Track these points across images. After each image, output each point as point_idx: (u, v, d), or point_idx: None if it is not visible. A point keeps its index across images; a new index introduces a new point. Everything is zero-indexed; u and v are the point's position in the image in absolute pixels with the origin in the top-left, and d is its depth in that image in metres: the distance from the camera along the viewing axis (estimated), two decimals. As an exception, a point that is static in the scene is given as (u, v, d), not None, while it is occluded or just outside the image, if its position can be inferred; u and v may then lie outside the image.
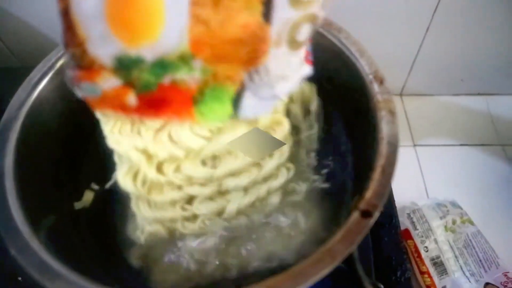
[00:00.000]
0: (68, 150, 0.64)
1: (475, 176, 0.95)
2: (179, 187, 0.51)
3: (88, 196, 0.62)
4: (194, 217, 0.55)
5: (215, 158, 0.51)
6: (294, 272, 0.41)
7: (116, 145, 0.49)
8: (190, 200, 0.53)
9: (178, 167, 0.50)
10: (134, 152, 0.49)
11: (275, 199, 0.57)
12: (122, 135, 0.49)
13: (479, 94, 1.08)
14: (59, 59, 0.61)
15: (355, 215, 0.44)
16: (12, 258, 0.44)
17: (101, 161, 0.64)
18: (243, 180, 0.52)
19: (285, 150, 0.55)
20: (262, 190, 0.55)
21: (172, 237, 0.57)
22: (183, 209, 0.53)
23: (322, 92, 0.68)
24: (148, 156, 0.49)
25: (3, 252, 0.44)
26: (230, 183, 0.52)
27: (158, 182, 0.50)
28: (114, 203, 0.60)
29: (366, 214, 0.44)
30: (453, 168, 0.97)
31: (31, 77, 0.58)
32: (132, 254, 0.57)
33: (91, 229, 0.60)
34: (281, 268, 0.52)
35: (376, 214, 0.44)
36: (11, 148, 0.52)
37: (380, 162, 0.48)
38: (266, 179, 0.55)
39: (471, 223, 0.82)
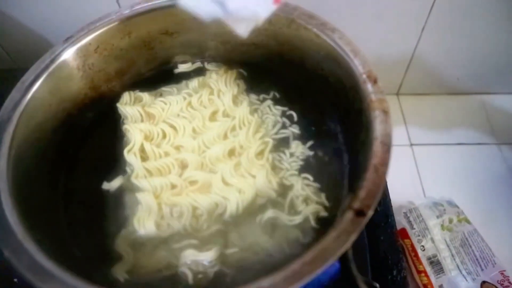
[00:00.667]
0: (62, 152, 0.64)
1: (472, 175, 0.95)
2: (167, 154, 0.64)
3: (118, 181, 0.62)
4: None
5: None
6: (288, 271, 0.41)
7: (128, 127, 0.65)
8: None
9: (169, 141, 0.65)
10: (138, 132, 0.64)
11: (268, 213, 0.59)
12: (131, 124, 0.66)
13: (475, 93, 1.08)
14: (53, 61, 0.61)
15: (349, 214, 0.44)
16: (7, 259, 0.44)
17: (95, 162, 0.66)
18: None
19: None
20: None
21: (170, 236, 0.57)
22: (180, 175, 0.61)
23: (317, 92, 0.69)
24: (146, 136, 0.65)
25: (-1, 253, 0.44)
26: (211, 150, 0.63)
27: (152, 152, 0.63)
28: (111, 202, 0.61)
29: (359, 213, 0.44)
30: (450, 167, 0.97)
31: (24, 79, 0.58)
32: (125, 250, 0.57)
33: (86, 228, 0.59)
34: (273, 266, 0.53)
35: (370, 213, 0.44)
36: (5, 150, 0.52)
37: (374, 161, 0.48)
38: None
39: (468, 222, 0.82)
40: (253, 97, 0.71)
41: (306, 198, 0.60)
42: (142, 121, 0.66)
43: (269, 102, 0.71)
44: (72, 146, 0.66)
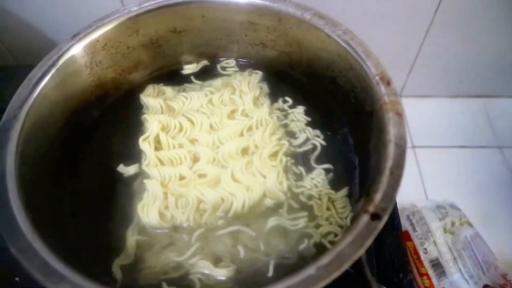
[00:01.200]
0: (67, 149, 0.63)
1: (474, 178, 0.95)
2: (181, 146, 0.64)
3: (134, 169, 0.63)
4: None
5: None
6: (303, 276, 0.41)
7: (147, 117, 0.66)
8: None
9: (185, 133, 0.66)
10: (156, 122, 0.65)
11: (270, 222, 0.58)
12: (150, 115, 0.66)
13: (477, 96, 1.09)
14: (60, 57, 0.60)
15: (365, 218, 0.44)
16: (9, 258, 0.43)
17: (100, 159, 0.66)
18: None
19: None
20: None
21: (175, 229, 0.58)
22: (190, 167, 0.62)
23: (326, 93, 0.68)
24: (163, 127, 0.65)
25: (1, 252, 0.43)
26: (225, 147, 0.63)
27: (166, 143, 0.64)
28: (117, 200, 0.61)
29: (375, 217, 0.44)
30: (452, 169, 0.97)
31: (31, 76, 0.58)
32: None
33: (91, 227, 0.59)
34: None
35: (385, 217, 0.44)
36: (12, 148, 0.51)
37: (388, 164, 0.47)
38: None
39: (470, 225, 0.82)
40: (280, 104, 0.71)
41: (329, 217, 0.59)
42: (162, 113, 0.67)
43: (299, 109, 0.70)
44: (76, 144, 0.65)
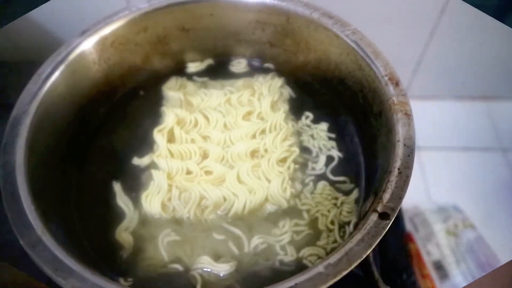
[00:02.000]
0: (75, 145, 0.64)
1: (477, 180, 0.95)
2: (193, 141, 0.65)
3: (149, 159, 0.64)
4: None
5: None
6: (312, 273, 0.41)
7: (165, 109, 0.68)
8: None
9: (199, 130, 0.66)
10: (173, 115, 0.66)
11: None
12: (169, 108, 0.68)
13: (481, 98, 1.09)
14: (69, 54, 0.60)
15: (373, 217, 0.44)
16: (11, 255, 0.43)
17: (106, 154, 0.66)
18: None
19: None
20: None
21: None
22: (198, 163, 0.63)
23: (334, 94, 0.69)
24: (179, 121, 0.66)
25: (2, 249, 0.43)
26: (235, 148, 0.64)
27: (179, 137, 0.65)
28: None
29: (383, 216, 0.44)
30: (455, 171, 0.97)
31: (41, 71, 0.58)
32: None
33: (97, 221, 0.59)
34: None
35: (394, 217, 0.44)
36: (21, 143, 0.51)
37: (397, 164, 0.47)
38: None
39: (473, 227, 0.82)
40: (303, 121, 0.70)
41: (330, 234, 0.58)
42: (180, 106, 0.68)
43: (322, 126, 0.69)
44: (84, 140, 0.66)
